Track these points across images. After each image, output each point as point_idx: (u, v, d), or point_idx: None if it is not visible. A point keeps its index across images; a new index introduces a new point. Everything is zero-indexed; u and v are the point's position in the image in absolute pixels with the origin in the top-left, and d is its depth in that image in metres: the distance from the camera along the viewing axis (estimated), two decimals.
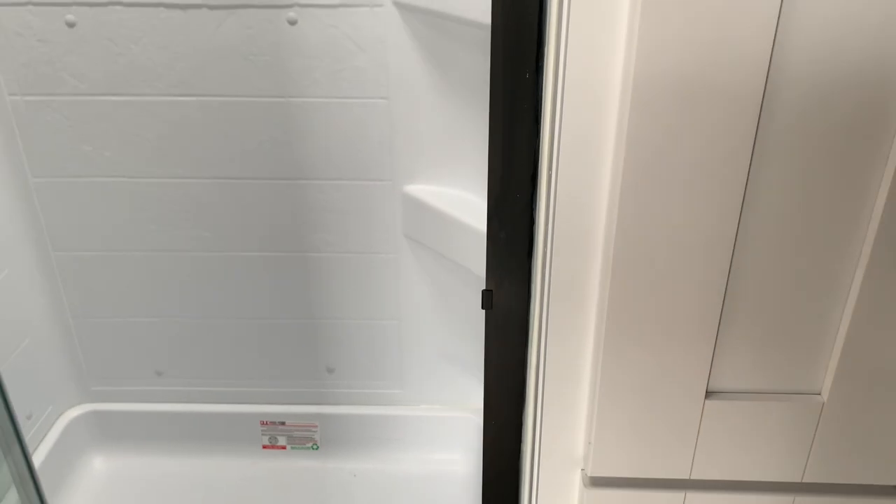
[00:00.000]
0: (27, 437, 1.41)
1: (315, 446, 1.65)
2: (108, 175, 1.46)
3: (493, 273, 0.75)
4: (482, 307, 0.76)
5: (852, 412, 0.66)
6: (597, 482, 0.70)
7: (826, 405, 0.66)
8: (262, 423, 1.64)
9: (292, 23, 1.32)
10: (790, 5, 0.52)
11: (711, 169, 0.57)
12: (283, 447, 1.65)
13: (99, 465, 1.67)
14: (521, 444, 0.78)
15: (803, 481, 0.69)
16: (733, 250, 0.60)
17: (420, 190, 1.46)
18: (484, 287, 0.77)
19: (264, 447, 1.66)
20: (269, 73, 1.37)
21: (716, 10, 0.52)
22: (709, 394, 0.66)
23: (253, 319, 1.59)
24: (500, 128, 0.70)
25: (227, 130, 1.42)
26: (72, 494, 1.59)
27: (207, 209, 1.49)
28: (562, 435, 0.72)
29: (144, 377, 1.65)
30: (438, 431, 1.65)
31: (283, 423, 1.64)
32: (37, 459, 1.53)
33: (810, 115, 0.56)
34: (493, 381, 0.78)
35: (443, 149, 1.42)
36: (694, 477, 0.70)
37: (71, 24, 1.33)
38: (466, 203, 1.44)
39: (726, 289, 0.62)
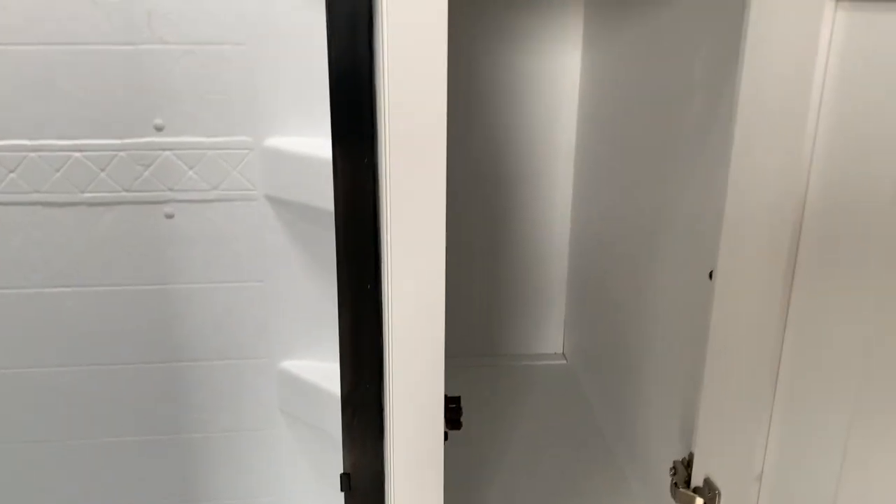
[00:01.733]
0: None
1: None
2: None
3: (349, 456, 0.85)
4: (341, 489, 0.86)
5: None
6: None
7: None
8: None
9: (169, 216, 1.44)
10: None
11: None
12: None
13: None
14: None
15: None
16: None
17: (296, 366, 1.55)
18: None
19: None
20: (146, 263, 1.47)
21: None
22: None
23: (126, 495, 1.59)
24: (349, 329, 0.83)
25: (102, 318, 1.48)
26: None
27: (81, 396, 1.52)
28: None
29: None
30: None
31: None
32: None
33: None
34: None
35: (316, 325, 1.54)
36: None
37: None
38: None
39: None
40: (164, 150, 1.40)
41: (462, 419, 0.70)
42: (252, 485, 1.61)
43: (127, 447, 1.56)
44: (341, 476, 0.85)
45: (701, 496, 0.67)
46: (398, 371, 0.74)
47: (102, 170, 1.40)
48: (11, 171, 1.39)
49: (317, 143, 1.40)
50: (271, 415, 1.58)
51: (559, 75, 1.71)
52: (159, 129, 1.39)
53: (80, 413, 1.53)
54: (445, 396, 0.74)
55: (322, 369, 1.55)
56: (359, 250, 0.78)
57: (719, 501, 0.64)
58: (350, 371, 0.83)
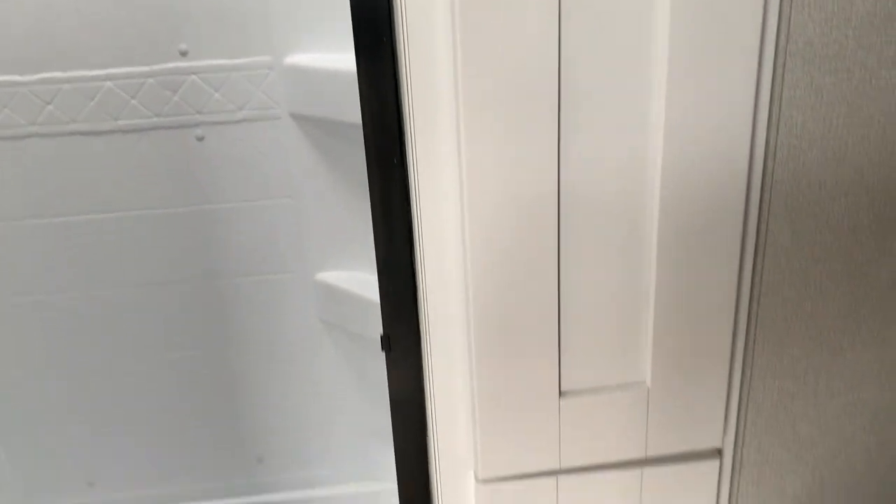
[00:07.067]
0: None
1: None
2: (24, 294, 1.62)
3: (387, 320, 0.97)
4: (381, 349, 0.98)
5: (671, 392, 0.89)
6: (486, 481, 0.91)
7: (651, 390, 0.89)
8: None
9: (200, 139, 1.55)
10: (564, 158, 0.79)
11: (531, 252, 0.82)
12: None
13: None
14: (427, 455, 0.98)
15: (647, 456, 0.92)
16: (559, 297, 0.85)
17: (331, 276, 1.67)
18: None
19: None
20: (181, 186, 1.58)
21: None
22: (562, 394, 0.89)
23: (181, 419, 1.74)
24: (379, 202, 0.93)
25: (142, 242, 1.61)
26: None
27: (127, 317, 1.66)
28: (455, 441, 0.93)
29: (76, 489, 1.76)
30: None
31: None
32: None
33: (589, 216, 0.82)
34: (397, 410, 0.98)
35: (348, 236, 1.65)
36: (563, 466, 0.91)
37: None
38: (373, 283, 1.66)
39: (559, 322, 0.85)
40: (189, 74, 1.51)
41: None
42: (296, 390, 1.75)
43: (175, 363, 1.70)
44: (381, 338, 0.97)
45: None
46: (428, 241, 0.85)
47: (133, 97, 1.51)
48: (48, 104, 1.50)
49: (335, 58, 1.49)
50: (311, 323, 1.70)
51: None
52: (184, 53, 1.49)
53: (125, 331, 1.67)
54: None
55: (357, 278, 1.67)
56: (385, 129, 0.89)
57: None
58: (383, 243, 0.94)
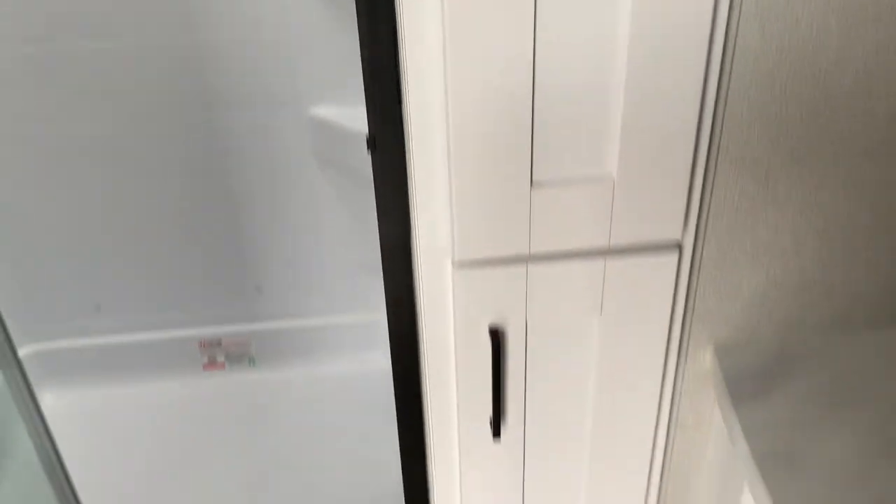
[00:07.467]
0: None
1: (252, 361, 1.89)
2: (18, 124, 1.67)
3: (373, 121, 1.02)
4: (367, 149, 1.03)
5: (635, 186, 0.96)
6: (462, 265, 0.99)
7: (616, 183, 0.96)
8: (201, 345, 1.88)
9: None
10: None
11: (507, 49, 0.86)
12: (222, 365, 1.89)
13: (50, 403, 1.87)
14: (410, 251, 1.07)
15: (610, 245, 0.99)
16: (533, 92, 0.89)
17: (326, 111, 1.72)
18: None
19: (204, 367, 1.89)
20: (173, 16, 1.60)
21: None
22: (533, 184, 0.95)
23: (185, 249, 1.83)
24: (365, 9, 0.97)
25: (138, 72, 1.65)
26: None
27: (125, 149, 1.71)
28: (435, 233, 1.00)
29: (84, 312, 1.86)
30: (363, 335, 1.91)
31: (219, 344, 1.88)
32: None
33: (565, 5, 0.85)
34: (382, 206, 1.05)
35: (342, 71, 1.69)
36: (532, 251, 0.99)
37: None
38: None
39: (533, 115, 0.91)
40: None
41: None
42: (293, 225, 1.83)
43: (174, 196, 1.77)
44: (367, 139, 1.03)
45: None
46: (410, 42, 0.89)
47: None
48: None
49: None
50: (305, 160, 1.76)
51: None
52: None
53: (126, 164, 1.73)
54: None
55: (350, 113, 1.72)
56: None
57: None
58: (368, 44, 0.98)
